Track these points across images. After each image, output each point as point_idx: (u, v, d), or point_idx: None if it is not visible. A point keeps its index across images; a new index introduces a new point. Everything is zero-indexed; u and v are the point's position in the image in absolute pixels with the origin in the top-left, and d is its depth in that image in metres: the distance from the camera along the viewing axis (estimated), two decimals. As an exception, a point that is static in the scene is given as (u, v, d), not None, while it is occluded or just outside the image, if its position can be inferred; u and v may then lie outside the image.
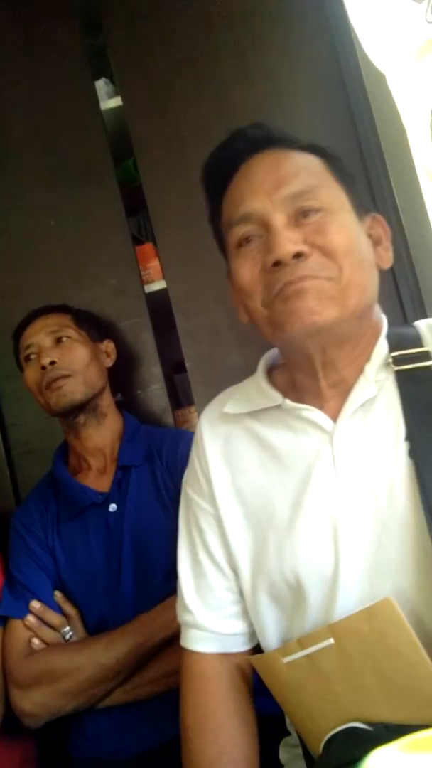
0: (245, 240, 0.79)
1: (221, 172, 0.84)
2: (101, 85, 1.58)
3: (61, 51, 1.54)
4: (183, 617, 0.89)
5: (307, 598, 0.77)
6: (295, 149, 0.81)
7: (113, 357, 1.41)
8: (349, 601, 0.75)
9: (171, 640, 1.12)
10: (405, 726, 0.68)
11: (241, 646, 0.87)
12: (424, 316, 1.33)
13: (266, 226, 0.77)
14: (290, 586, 0.79)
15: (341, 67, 1.42)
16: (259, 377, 0.89)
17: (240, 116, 1.45)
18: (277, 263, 0.75)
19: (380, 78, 1.18)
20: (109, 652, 1.09)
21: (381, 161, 1.35)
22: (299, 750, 0.85)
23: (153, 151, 1.50)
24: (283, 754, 0.93)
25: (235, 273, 0.80)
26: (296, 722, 0.81)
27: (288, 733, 0.93)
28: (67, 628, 1.16)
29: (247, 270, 0.78)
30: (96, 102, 1.54)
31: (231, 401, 0.90)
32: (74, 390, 1.27)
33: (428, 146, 1.13)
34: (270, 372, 0.90)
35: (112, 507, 1.24)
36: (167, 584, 1.16)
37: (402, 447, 0.75)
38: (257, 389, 0.88)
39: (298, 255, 0.74)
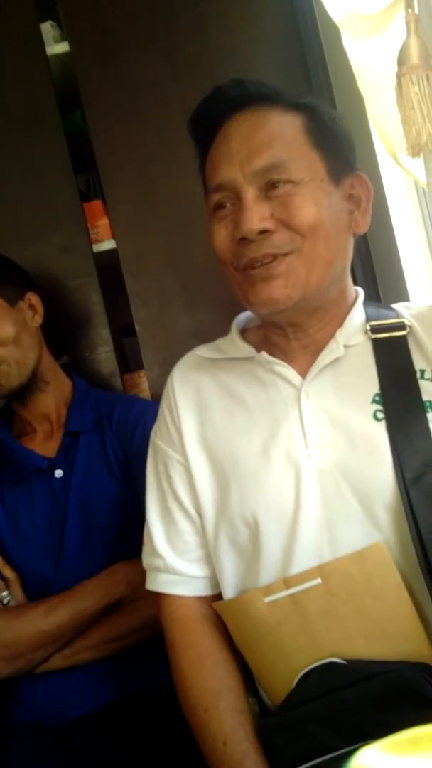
0: (219, 206, 0.83)
1: (203, 130, 0.86)
2: (47, 29, 1.48)
3: (3, -11, 1.44)
4: (152, 562, 0.93)
5: (265, 543, 0.81)
6: (275, 108, 0.82)
7: (41, 311, 1.26)
8: (306, 547, 0.80)
9: (114, 607, 1.13)
10: (379, 661, 0.75)
11: (208, 589, 0.91)
12: (374, 282, 1.34)
13: (238, 196, 0.80)
14: (249, 529, 0.83)
15: (298, 20, 1.37)
16: (233, 335, 0.95)
17: (195, 68, 1.40)
18: (244, 238, 0.79)
19: (337, 32, 1.15)
20: (48, 618, 1.08)
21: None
22: (255, 707, 0.88)
23: (103, 102, 1.43)
24: None
25: (211, 236, 0.85)
26: (262, 666, 0.84)
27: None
28: (5, 593, 1.14)
29: (220, 236, 0.83)
30: (41, 47, 1.44)
31: (204, 348, 0.97)
32: (8, 378, 1.18)
33: (389, 112, 1.11)
34: (242, 333, 0.95)
35: (58, 473, 1.21)
36: (113, 552, 1.16)
37: (369, 407, 0.81)
38: (231, 343, 0.94)
39: (263, 231, 0.78)
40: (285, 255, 0.79)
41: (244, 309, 0.96)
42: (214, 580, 0.90)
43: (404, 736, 0.36)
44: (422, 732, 0.38)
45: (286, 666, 0.80)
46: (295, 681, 0.78)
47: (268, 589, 0.80)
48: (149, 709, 1.08)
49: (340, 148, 0.84)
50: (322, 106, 0.85)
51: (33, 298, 1.26)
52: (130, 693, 1.12)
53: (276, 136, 0.80)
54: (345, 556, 0.77)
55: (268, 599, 0.80)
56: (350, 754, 0.68)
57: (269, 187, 0.79)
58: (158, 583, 0.92)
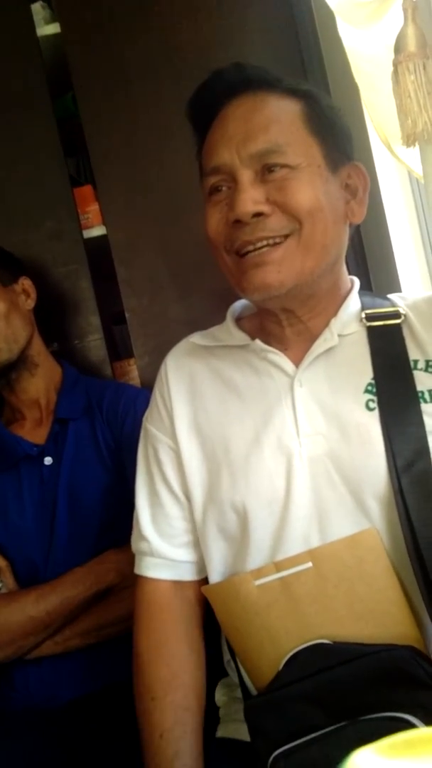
0: (215, 189, 0.83)
1: (201, 114, 0.86)
2: (37, 9, 1.45)
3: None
4: (139, 546, 0.93)
5: (253, 531, 0.82)
6: (274, 93, 0.82)
7: (33, 296, 1.29)
8: (295, 536, 0.80)
9: (104, 594, 1.13)
10: (368, 644, 0.76)
11: (192, 575, 0.92)
12: (367, 272, 1.34)
13: (234, 179, 0.80)
14: (238, 515, 0.83)
15: (293, 6, 1.36)
16: (228, 323, 0.94)
17: (187, 53, 1.38)
18: (238, 221, 0.79)
19: (332, 19, 1.13)
20: (39, 604, 1.08)
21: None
22: (238, 692, 0.89)
23: (93, 85, 1.41)
24: (220, 696, 0.96)
25: (205, 220, 0.84)
26: (249, 649, 0.84)
27: (225, 674, 0.96)
28: (-3, 581, 1.14)
29: (214, 219, 0.83)
30: (31, 28, 1.42)
31: (198, 335, 0.96)
32: None
33: (384, 101, 1.10)
34: (237, 321, 0.95)
35: (48, 460, 1.20)
36: (102, 539, 1.16)
37: (362, 397, 0.81)
38: (226, 331, 0.94)
39: (258, 214, 0.78)
40: (282, 240, 0.79)
41: (234, 298, 0.96)
42: (201, 565, 0.91)
43: (399, 739, 0.36)
44: (418, 734, 0.38)
45: (274, 649, 0.80)
46: (283, 662, 0.79)
47: (259, 572, 0.81)
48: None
49: (338, 136, 0.84)
50: (320, 93, 0.85)
51: (26, 282, 1.29)
52: (122, 679, 1.12)
53: (273, 120, 0.80)
54: (337, 541, 0.78)
55: (258, 582, 0.80)
56: (336, 732, 0.69)
57: (265, 171, 0.79)
58: (141, 566, 0.92)
